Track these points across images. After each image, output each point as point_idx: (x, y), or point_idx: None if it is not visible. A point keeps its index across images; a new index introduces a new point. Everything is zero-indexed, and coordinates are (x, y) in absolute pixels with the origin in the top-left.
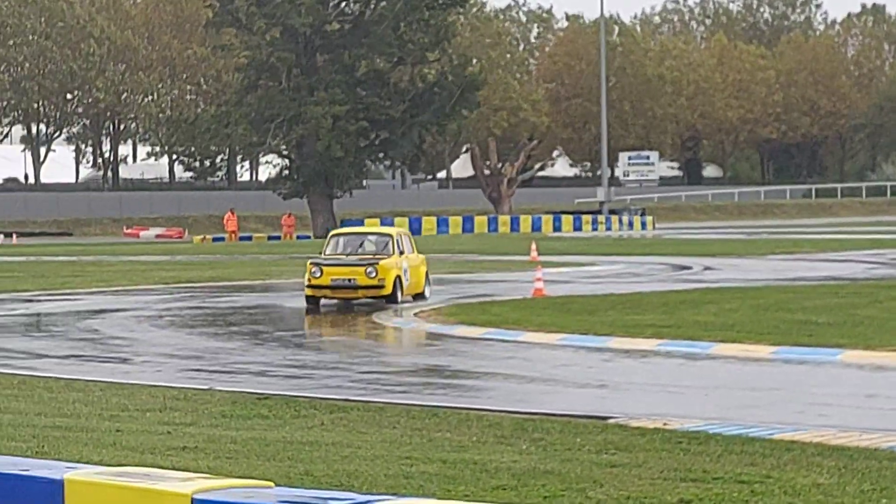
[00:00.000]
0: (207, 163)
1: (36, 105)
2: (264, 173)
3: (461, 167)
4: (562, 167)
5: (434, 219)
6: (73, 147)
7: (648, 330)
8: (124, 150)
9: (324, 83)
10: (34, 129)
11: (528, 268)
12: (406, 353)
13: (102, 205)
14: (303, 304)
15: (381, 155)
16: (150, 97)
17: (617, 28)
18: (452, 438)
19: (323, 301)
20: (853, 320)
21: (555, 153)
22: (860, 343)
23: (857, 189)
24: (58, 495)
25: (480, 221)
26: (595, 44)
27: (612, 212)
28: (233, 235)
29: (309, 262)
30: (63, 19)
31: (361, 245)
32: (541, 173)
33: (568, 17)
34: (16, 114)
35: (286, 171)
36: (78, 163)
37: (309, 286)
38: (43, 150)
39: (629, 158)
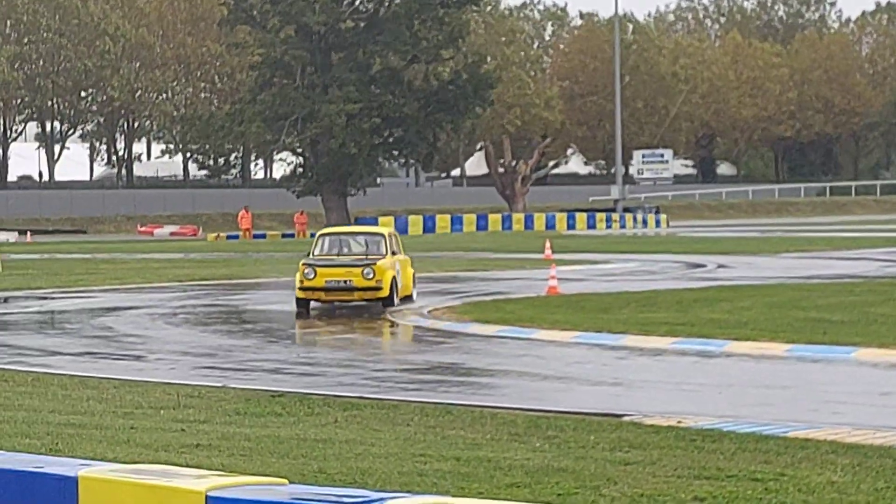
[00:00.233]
0: (221, 161)
1: (50, 103)
2: (278, 171)
3: (475, 165)
4: (576, 165)
5: (448, 217)
6: (87, 145)
7: (662, 328)
8: (138, 147)
9: (338, 81)
10: (48, 127)
11: (542, 266)
12: (420, 351)
13: (116, 202)
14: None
15: (395, 153)
16: (164, 95)
17: (631, 26)
18: (466, 436)
19: (312, 304)
20: (867, 318)
21: (569, 151)
22: (874, 341)
23: (872, 187)
24: (72, 492)
25: (494, 219)
26: (609, 42)
27: (626, 210)
28: (247, 233)
29: (301, 262)
30: (78, 17)
31: (353, 245)
32: (555, 171)
33: (582, 16)
34: (30, 111)
35: (300, 169)
36: (92, 160)
37: (301, 288)
38: (57, 147)
39: (643, 156)
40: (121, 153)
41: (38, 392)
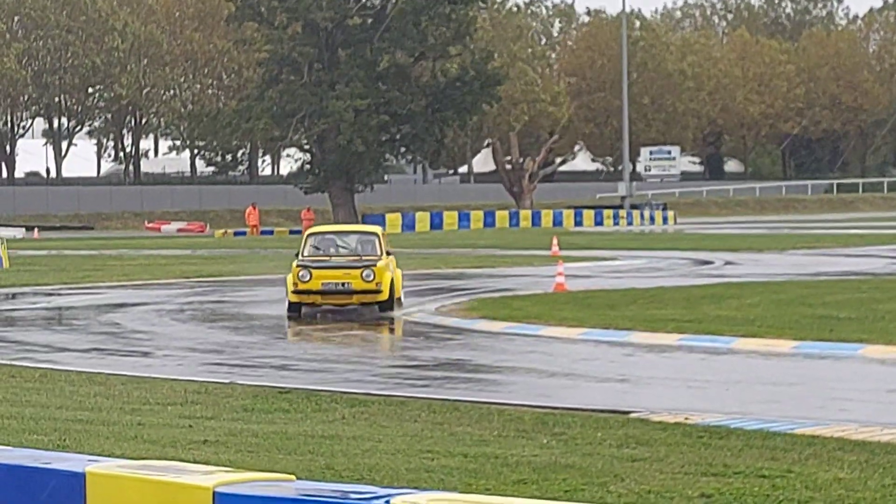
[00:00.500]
0: (229, 157)
1: (58, 99)
2: (285, 167)
3: (482, 162)
4: (583, 162)
5: (455, 213)
6: (94, 141)
7: (670, 324)
8: (146, 144)
9: (345, 78)
10: (56, 123)
11: (549, 262)
12: (427, 348)
13: (124, 199)
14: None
15: (402, 149)
16: (171, 91)
17: (638, 23)
18: (473, 432)
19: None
20: (874, 315)
21: (576, 148)
22: (881, 338)
23: (879, 184)
24: (79, 488)
25: (502, 216)
26: (616, 38)
27: (633, 206)
28: (254, 230)
29: (295, 264)
30: (86, 13)
31: (345, 245)
32: (562, 168)
33: (589, 12)
34: (38, 107)
35: (307, 166)
36: (99, 157)
37: (295, 291)
38: (65, 144)
39: (650, 153)
40: (128, 149)
41: (46, 388)
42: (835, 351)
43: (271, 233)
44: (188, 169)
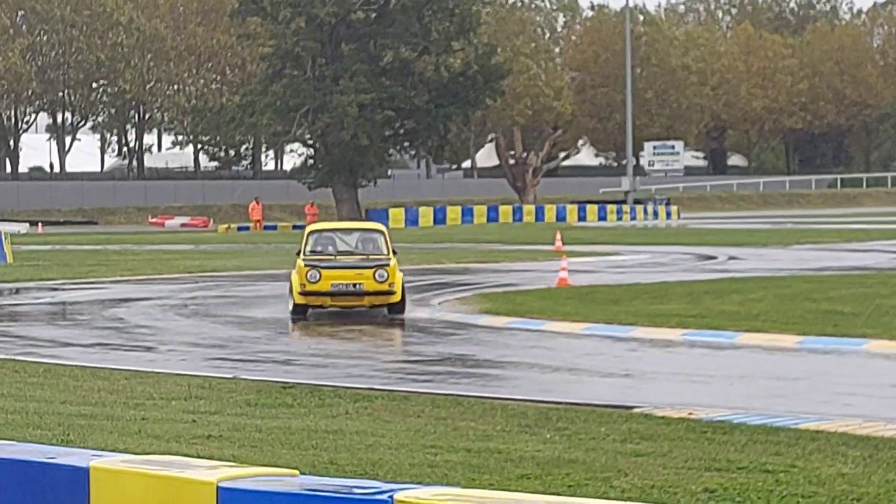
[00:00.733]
0: (232, 152)
1: (61, 94)
2: (289, 162)
3: (486, 157)
4: (586, 156)
5: (459, 208)
6: (98, 136)
7: (673, 319)
8: (149, 139)
9: (349, 72)
10: (60, 118)
11: (552, 257)
12: (430, 343)
13: (127, 194)
14: None
15: (406, 144)
16: (175, 86)
17: (642, 17)
18: (477, 427)
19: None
20: (878, 310)
21: (580, 142)
22: (885, 333)
23: (883, 179)
24: (83, 483)
25: (505, 211)
26: (620, 33)
27: (636, 201)
28: (258, 225)
29: (302, 263)
30: (90, 7)
31: (349, 243)
32: (565, 163)
33: (593, 7)
34: (41, 102)
35: (311, 161)
36: (103, 152)
37: (303, 293)
38: (68, 139)
39: (654, 148)
40: (132, 144)
41: (50, 383)
42: (839, 346)
43: (275, 228)
44: (192, 164)
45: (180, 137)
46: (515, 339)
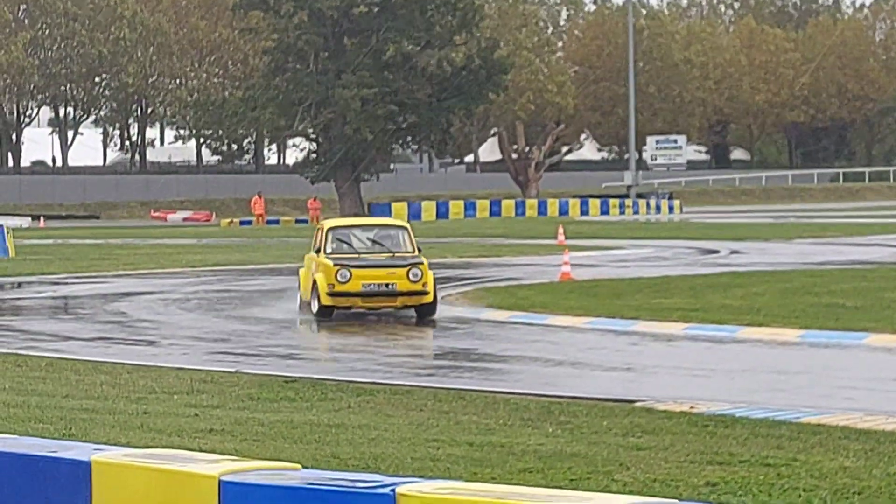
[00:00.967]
0: (235, 146)
1: (64, 88)
2: (292, 157)
3: (489, 151)
4: (589, 151)
5: (461, 202)
6: (100, 130)
7: (675, 314)
8: (152, 133)
9: (351, 66)
10: (62, 112)
11: (555, 251)
12: (433, 337)
13: (130, 188)
14: None
15: (408, 139)
16: (178, 80)
17: (645, 11)
18: (479, 421)
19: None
20: (880, 304)
21: (582, 137)
22: (887, 327)
23: (885, 173)
24: (85, 477)
25: (508, 205)
26: (622, 27)
27: (639, 195)
28: (260, 219)
29: (330, 262)
30: (92, 1)
31: (373, 241)
32: (568, 157)
33: (596, 1)
34: (44, 96)
35: (313, 155)
36: (105, 146)
37: (332, 293)
38: (70, 133)
39: (657, 142)
40: (134, 138)
41: (52, 377)
42: (840, 340)
43: (277, 222)
44: (194, 158)
45: (183, 132)
46: (518, 334)
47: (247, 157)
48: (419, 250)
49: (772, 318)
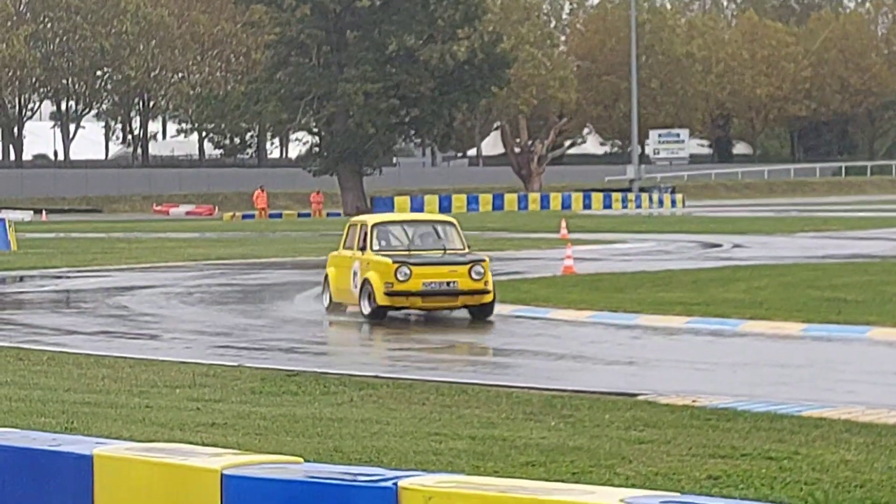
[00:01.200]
0: (237, 140)
1: (66, 81)
2: (294, 150)
3: (491, 145)
4: (592, 145)
5: (464, 196)
6: (102, 124)
7: (678, 307)
8: (154, 126)
9: (354, 60)
10: (64, 106)
11: (557, 245)
12: (435, 330)
13: (132, 182)
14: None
15: (411, 132)
16: (180, 74)
17: (647, 5)
18: (481, 415)
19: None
20: (882, 298)
21: (585, 130)
22: (889, 320)
23: (888, 167)
24: (87, 470)
25: (510, 199)
26: (625, 21)
27: (642, 189)
28: (263, 213)
29: (388, 259)
30: None
31: (428, 237)
32: (571, 151)
33: None
34: (45, 90)
35: (316, 149)
36: (107, 139)
37: (389, 293)
38: (73, 126)
39: (659, 136)
40: (136, 132)
41: (54, 371)
42: (842, 333)
43: (280, 216)
44: (196, 152)
45: (185, 125)
46: (520, 327)
47: (249, 150)
48: (468, 247)
49: (774, 312)
